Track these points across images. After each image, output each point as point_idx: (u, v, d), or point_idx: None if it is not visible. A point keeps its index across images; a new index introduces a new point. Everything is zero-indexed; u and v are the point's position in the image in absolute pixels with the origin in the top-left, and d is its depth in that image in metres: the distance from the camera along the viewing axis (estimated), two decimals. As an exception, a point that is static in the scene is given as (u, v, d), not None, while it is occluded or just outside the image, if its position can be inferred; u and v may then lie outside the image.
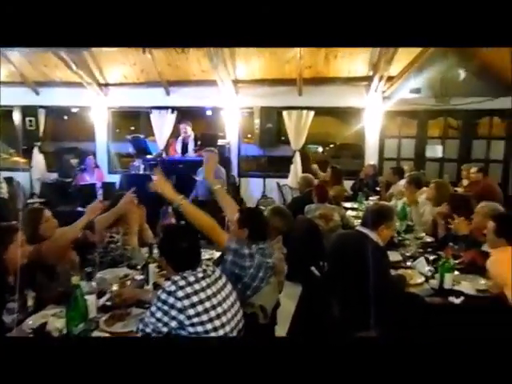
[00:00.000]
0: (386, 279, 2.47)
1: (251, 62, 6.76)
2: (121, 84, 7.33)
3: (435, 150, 7.16)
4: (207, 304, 1.72)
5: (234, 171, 7.26)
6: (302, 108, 6.99)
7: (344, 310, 2.45)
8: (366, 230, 2.48)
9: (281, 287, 2.77)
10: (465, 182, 5.74)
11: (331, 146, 9.14)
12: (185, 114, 7.30)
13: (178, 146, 6.39)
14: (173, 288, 1.69)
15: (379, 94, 6.79)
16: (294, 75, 6.70)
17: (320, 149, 8.47)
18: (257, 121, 6.77)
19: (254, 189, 7.25)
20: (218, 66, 6.16)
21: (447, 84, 6.78)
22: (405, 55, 6.13)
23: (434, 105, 6.89)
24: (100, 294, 2.15)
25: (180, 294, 1.68)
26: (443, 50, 6.51)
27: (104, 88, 7.38)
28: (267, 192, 7.06)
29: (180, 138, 6.44)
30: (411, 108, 6.98)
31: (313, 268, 2.67)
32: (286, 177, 7.10)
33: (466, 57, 6.59)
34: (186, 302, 1.68)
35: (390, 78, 6.58)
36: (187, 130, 6.37)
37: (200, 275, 1.77)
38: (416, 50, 6.09)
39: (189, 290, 1.69)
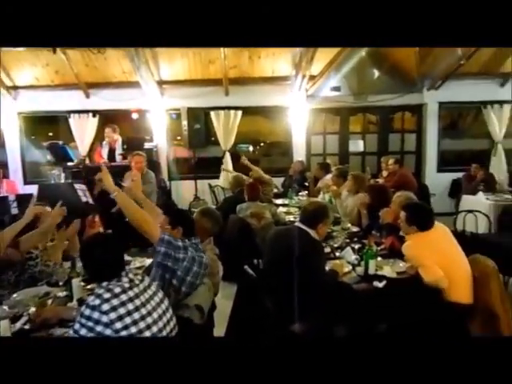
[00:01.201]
0: (323, 273, 2.57)
1: (175, 62, 6.64)
2: (32, 87, 6.78)
3: (357, 145, 7.60)
4: (136, 315, 1.65)
5: (164, 174, 7.08)
6: (229, 108, 7.03)
7: (280, 305, 2.49)
8: (305, 227, 2.56)
9: (216, 289, 2.76)
10: (384, 173, 6.17)
11: (261, 144, 9.28)
12: (109, 118, 6.95)
13: (104, 152, 6.04)
14: (97, 302, 1.59)
15: (303, 92, 7.04)
16: (219, 75, 6.71)
17: (251, 148, 8.55)
18: (184, 122, 6.65)
19: (185, 191, 7.13)
20: (140, 66, 5.95)
21: (363, 82, 7.25)
22: (324, 55, 6.43)
23: (353, 102, 7.33)
24: (16, 318, 1.97)
25: (105, 307, 1.59)
26: (358, 50, 6.93)
27: (13, 91, 6.77)
28: (199, 194, 7.00)
29: (105, 143, 6.10)
30: (333, 105, 7.35)
31: (246, 267, 2.68)
32: (218, 177, 7.09)
33: (378, 57, 7.09)
34: (113, 316, 1.59)
35: (312, 77, 6.86)
36: (113, 134, 6.05)
37: (126, 285, 1.68)
38: (335, 50, 6.41)
39: (115, 302, 1.60)
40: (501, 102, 7.16)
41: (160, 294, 1.83)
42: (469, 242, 3.73)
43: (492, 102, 7.18)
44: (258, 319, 2.51)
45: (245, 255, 3.39)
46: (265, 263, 2.75)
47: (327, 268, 2.67)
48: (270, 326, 2.49)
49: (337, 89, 7.27)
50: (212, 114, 7.06)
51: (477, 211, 4.62)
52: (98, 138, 6.74)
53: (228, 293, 3.19)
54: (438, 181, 7.29)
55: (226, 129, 7.06)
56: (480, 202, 5.24)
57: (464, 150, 7.93)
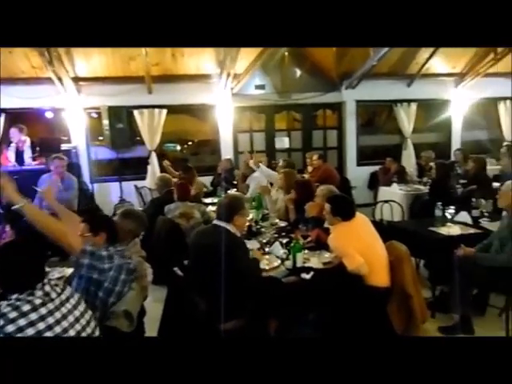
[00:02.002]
0: (246, 268, 2.59)
1: (92, 58, 6.25)
2: None
3: (283, 142, 7.82)
4: (49, 334, 1.51)
5: (86, 177, 6.66)
6: (153, 107, 6.80)
7: (210, 304, 2.48)
8: (222, 223, 2.55)
9: (145, 292, 2.66)
10: (309, 169, 6.43)
11: (189, 143, 9.14)
12: (18, 117, 6.33)
13: (11, 155, 5.50)
14: (0, 322, 1.43)
15: (228, 90, 7.06)
16: (141, 73, 6.46)
17: (178, 147, 8.37)
18: (106, 121, 6.31)
19: (110, 194, 6.78)
20: (52, 62, 5.51)
21: (287, 81, 7.48)
22: (248, 53, 6.50)
23: (277, 100, 7.52)
24: None
25: (10, 328, 1.43)
26: (280, 49, 7.13)
27: None
28: (125, 196, 6.70)
29: (13, 146, 5.55)
30: (259, 103, 7.47)
31: (176, 268, 2.63)
32: (144, 178, 6.85)
33: (299, 56, 7.36)
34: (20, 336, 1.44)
35: (236, 75, 6.90)
36: (19, 135, 5.52)
37: (38, 301, 1.52)
38: (258, 48, 6.51)
39: (22, 322, 1.44)
40: (408, 101, 7.83)
41: (81, 307, 1.70)
42: (385, 230, 4.04)
43: (401, 101, 7.83)
44: (189, 320, 2.47)
45: (175, 257, 3.31)
46: (190, 264, 2.69)
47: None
48: (203, 325, 2.47)
49: (261, 87, 7.41)
50: (135, 112, 6.78)
51: (392, 201, 5.02)
52: (4, 140, 6.11)
53: (159, 296, 3.10)
54: (357, 174, 7.78)
55: (150, 128, 6.83)
56: (394, 192, 5.70)
57: (379, 145, 8.53)
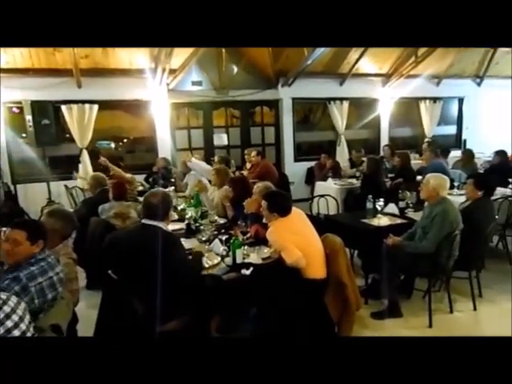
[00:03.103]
0: (186, 264, 2.55)
1: (10, 47, 5.74)
2: None
3: (221, 138, 7.79)
4: None
5: (7, 178, 6.12)
6: (83, 102, 6.42)
7: (149, 306, 2.40)
8: (154, 222, 2.45)
9: (76, 297, 2.52)
10: (248, 165, 6.47)
11: (124, 140, 8.77)
12: None
13: None
14: None
15: (164, 86, 6.87)
16: (68, 65, 6.06)
17: (112, 144, 7.99)
18: (29, 117, 5.83)
19: (36, 195, 6.30)
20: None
21: (224, 77, 7.46)
22: (184, 49, 6.37)
23: (215, 96, 7.47)
24: None
25: None
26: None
27: None
28: (54, 197, 6.26)
29: None
30: (196, 100, 7.36)
31: (110, 272, 2.51)
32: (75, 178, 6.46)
33: (236, 53, 7.38)
34: None
35: (172, 71, 6.74)
36: None
37: None
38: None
39: None
40: (341, 99, 8.20)
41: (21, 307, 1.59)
42: (322, 223, 4.21)
43: (334, 99, 8.17)
44: (127, 325, 2.37)
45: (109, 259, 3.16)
46: (122, 267, 2.54)
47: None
48: (142, 329, 2.39)
49: (198, 83, 7.31)
50: (63, 108, 6.36)
51: (327, 195, 5.23)
52: None
53: (94, 302, 2.94)
54: (295, 170, 8.00)
55: (81, 124, 6.44)
56: (330, 187, 5.94)
57: (315, 141, 8.85)
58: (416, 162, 6.94)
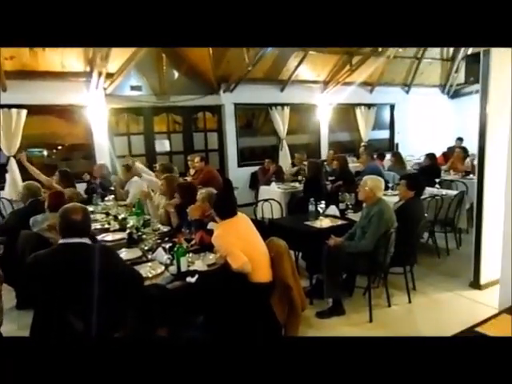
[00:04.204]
0: (125, 273, 2.44)
1: None
2: None
3: (163, 145, 7.63)
4: None
5: None
6: (9, 106, 5.96)
7: (90, 321, 2.27)
8: (81, 240, 2.28)
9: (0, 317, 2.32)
10: (192, 172, 6.39)
11: (59, 147, 8.27)
12: None
13: None
14: None
15: (101, 90, 6.59)
16: (-9, 67, 5.60)
17: (45, 152, 7.50)
18: None
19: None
20: None
21: (165, 82, 7.32)
22: (121, 52, 6.16)
23: (156, 102, 7.31)
24: None
25: None
26: (157, 50, 6.95)
27: None
28: (-22, 210, 5.73)
29: None
30: (136, 105, 7.15)
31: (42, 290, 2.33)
32: (2, 188, 5.97)
33: (176, 58, 7.28)
34: None
35: (109, 75, 6.49)
36: None
37: None
38: (132, 48, 6.22)
39: None
40: (282, 105, 8.39)
41: None
42: (267, 227, 4.26)
43: (276, 105, 8.35)
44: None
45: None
46: (54, 289, 2.33)
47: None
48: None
49: (137, 88, 7.11)
50: (-14, 112, 5.86)
51: (271, 199, 5.31)
52: None
53: (25, 323, 2.72)
54: (239, 175, 8.03)
55: (7, 131, 5.97)
56: (274, 191, 6.04)
57: (258, 147, 8.96)
58: (354, 165, 7.28)
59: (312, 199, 4.26)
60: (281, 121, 8.42)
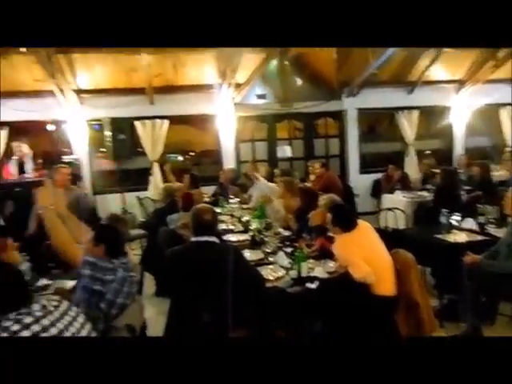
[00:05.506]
0: (250, 271, 2.56)
1: (94, 70, 6.31)
2: None
3: (285, 151, 7.80)
4: None
5: (88, 189, 6.65)
6: (155, 117, 6.82)
7: (215, 315, 2.43)
8: (210, 238, 2.48)
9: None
10: (312, 177, 6.40)
11: (191, 153, 9.18)
12: (20, 130, 6.35)
13: (13, 167, 5.52)
14: (4, 335, 1.39)
15: (229, 100, 7.08)
16: (142, 84, 6.50)
17: (180, 157, 8.40)
18: (108, 133, 6.33)
19: (112, 205, 6.76)
20: (53, 74, 5.55)
21: (288, 90, 7.50)
22: (249, 63, 6.53)
23: (279, 109, 7.53)
24: None
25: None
26: (280, 58, 7.17)
27: None
28: (128, 207, 6.67)
29: (14, 158, 5.57)
30: (260, 113, 7.48)
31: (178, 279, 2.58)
32: (146, 189, 6.85)
33: (300, 65, 7.40)
34: None
35: (237, 85, 6.93)
36: (22, 147, 5.56)
37: (38, 313, 1.49)
38: (260, 58, 6.56)
39: (26, 333, 1.41)
40: (410, 108, 7.83)
41: (81, 318, 1.67)
42: (390, 238, 3.99)
43: (402, 108, 7.83)
44: (193, 332, 2.42)
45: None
46: (188, 282, 2.56)
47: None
48: (208, 335, 2.43)
49: (262, 96, 7.43)
50: (137, 123, 6.80)
51: (396, 208, 4.98)
52: (8, 152, 6.12)
53: (163, 309, 3.05)
54: (360, 182, 7.75)
55: (152, 139, 6.84)
56: (398, 199, 5.66)
57: (381, 153, 8.52)
58: (495, 173, 6.37)
59: (444, 210, 3.85)
60: (408, 125, 7.87)
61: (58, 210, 2.47)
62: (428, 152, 8.00)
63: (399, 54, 6.89)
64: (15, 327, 1.41)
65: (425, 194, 5.76)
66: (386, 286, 2.66)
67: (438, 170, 5.70)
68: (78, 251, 2.19)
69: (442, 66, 7.58)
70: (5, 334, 1.39)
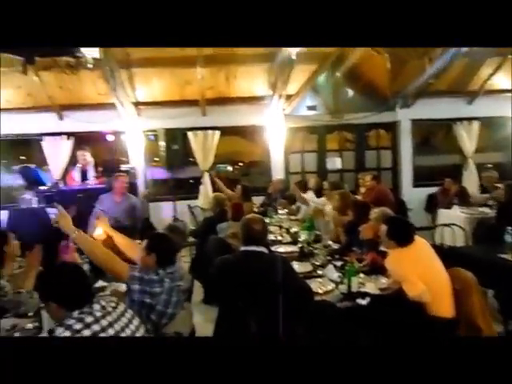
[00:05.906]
0: (297, 282, 2.52)
1: (151, 83, 6.63)
2: (3, 110, 6.58)
3: (334, 162, 7.69)
4: None
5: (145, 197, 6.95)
6: (207, 128, 7.01)
7: (263, 325, 2.42)
8: (259, 248, 2.49)
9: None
10: (362, 190, 6.23)
11: (240, 164, 9.32)
12: (83, 140, 6.80)
13: (76, 175, 5.92)
14: (67, 334, 1.47)
15: (280, 111, 7.12)
16: (196, 96, 6.72)
17: (230, 168, 8.55)
18: (162, 143, 6.60)
19: (164, 213, 7.00)
20: (115, 88, 5.90)
21: (339, 101, 7.42)
22: (300, 75, 6.55)
23: (329, 120, 7.45)
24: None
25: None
26: (332, 69, 7.12)
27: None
28: (179, 215, 6.87)
29: (78, 166, 5.98)
30: (310, 124, 7.45)
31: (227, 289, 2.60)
32: (197, 198, 7.02)
33: (352, 76, 7.28)
34: None
35: (288, 97, 6.96)
36: (85, 156, 5.95)
37: (99, 314, 1.57)
38: (310, 69, 6.55)
39: (87, 332, 1.49)
40: (469, 119, 7.43)
41: (136, 321, 1.73)
42: (447, 255, 3.76)
43: (461, 119, 7.45)
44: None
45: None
46: (238, 287, 2.58)
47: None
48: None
49: (313, 108, 7.40)
50: (190, 134, 7.02)
51: (453, 224, 4.71)
52: (72, 160, 6.58)
53: (210, 316, 3.08)
54: (414, 196, 7.42)
55: (204, 149, 7.03)
56: (455, 215, 5.34)
57: (437, 166, 8.13)
58: None
59: (509, 228, 3.58)
60: (467, 137, 7.46)
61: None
62: (489, 165, 7.51)
63: (458, 62, 6.58)
64: (78, 326, 1.49)
65: (486, 210, 5.39)
66: (444, 307, 2.50)
67: (500, 185, 5.33)
68: (123, 267, 2.20)
69: (505, 74, 7.13)
70: (67, 333, 1.47)
